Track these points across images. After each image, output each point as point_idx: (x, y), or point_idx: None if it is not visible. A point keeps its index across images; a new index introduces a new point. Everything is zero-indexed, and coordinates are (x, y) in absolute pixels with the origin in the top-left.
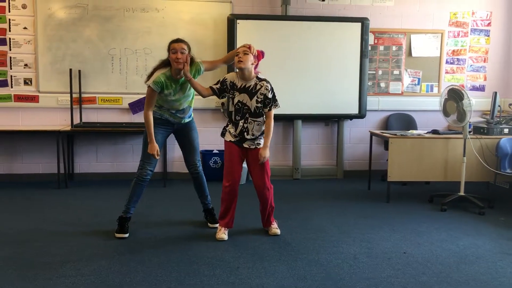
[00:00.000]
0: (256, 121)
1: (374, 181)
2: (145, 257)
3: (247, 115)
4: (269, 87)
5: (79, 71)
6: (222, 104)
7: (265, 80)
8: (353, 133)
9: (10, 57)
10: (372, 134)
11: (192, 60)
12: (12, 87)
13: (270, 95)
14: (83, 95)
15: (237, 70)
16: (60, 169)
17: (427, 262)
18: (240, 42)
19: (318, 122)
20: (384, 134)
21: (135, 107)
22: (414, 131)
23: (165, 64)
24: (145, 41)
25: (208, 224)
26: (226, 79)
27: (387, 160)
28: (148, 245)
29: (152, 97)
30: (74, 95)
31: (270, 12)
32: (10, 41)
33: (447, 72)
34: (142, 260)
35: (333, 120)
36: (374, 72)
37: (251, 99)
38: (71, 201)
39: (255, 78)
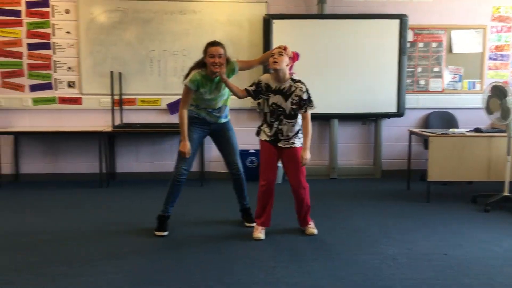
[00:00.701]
0: (290, 122)
1: (413, 181)
2: (184, 255)
3: (282, 117)
4: (304, 88)
5: (120, 73)
6: (258, 104)
7: (299, 81)
8: (391, 132)
9: (54, 61)
10: (411, 132)
11: (227, 60)
12: (56, 89)
13: (305, 96)
14: (123, 97)
15: (272, 71)
16: (102, 169)
17: (469, 264)
18: (275, 42)
19: (355, 121)
20: (424, 132)
21: (173, 107)
22: (456, 130)
23: (200, 64)
24: (183, 43)
25: (245, 223)
26: (261, 80)
27: (426, 159)
28: (186, 244)
29: (188, 95)
30: (115, 97)
31: (306, 11)
32: (54, 45)
33: (490, 69)
34: (180, 258)
35: (371, 119)
36: (413, 69)
37: (286, 101)
38: (112, 200)
39: (289, 79)
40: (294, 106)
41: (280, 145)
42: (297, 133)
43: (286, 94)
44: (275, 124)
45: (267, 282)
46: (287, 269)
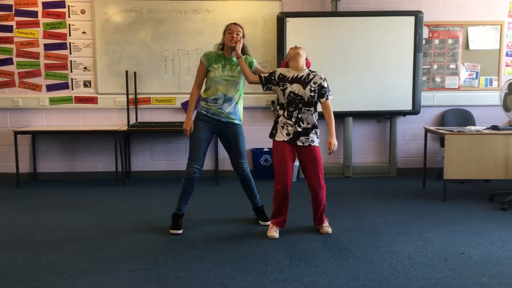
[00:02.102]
0: (309, 110)
1: (429, 179)
2: (199, 253)
3: (301, 105)
4: (323, 76)
5: (135, 72)
6: (272, 102)
7: (317, 71)
8: (406, 130)
9: (71, 61)
10: (427, 130)
11: (245, 49)
12: (72, 89)
13: (325, 84)
14: (138, 96)
15: (289, 67)
16: (117, 168)
17: (487, 263)
18: (290, 40)
19: (370, 119)
20: (440, 130)
21: (187, 106)
22: (472, 127)
23: (219, 48)
24: (197, 42)
25: (260, 222)
26: (276, 71)
27: (443, 157)
28: (201, 242)
29: (202, 72)
30: (130, 96)
31: (320, 9)
32: (70, 45)
33: (507, 65)
34: (195, 256)
35: (386, 117)
36: (428, 66)
37: (304, 88)
38: (128, 198)
39: (307, 69)
40: (312, 94)
41: (299, 143)
42: (315, 126)
43: (304, 82)
44: (295, 113)
45: (281, 280)
46: (302, 267)
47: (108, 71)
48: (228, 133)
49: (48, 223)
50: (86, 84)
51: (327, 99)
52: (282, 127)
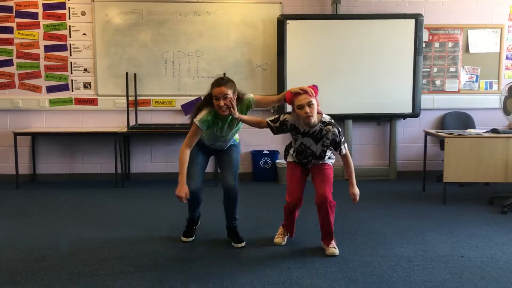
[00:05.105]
0: (320, 161)
1: (429, 182)
2: (198, 254)
3: (311, 158)
4: (337, 131)
5: (135, 74)
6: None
7: (330, 124)
8: (406, 133)
9: (71, 62)
10: (426, 133)
11: (241, 99)
12: (72, 90)
13: (339, 139)
14: (138, 98)
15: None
16: (117, 169)
17: (486, 267)
18: (290, 42)
19: (369, 122)
20: (439, 133)
21: (187, 108)
22: (472, 130)
23: (211, 101)
24: (197, 44)
25: (232, 243)
26: (287, 121)
27: (442, 160)
28: (200, 243)
29: (196, 134)
30: (130, 98)
31: (320, 12)
32: (70, 47)
33: (507, 69)
34: (195, 258)
35: (385, 120)
36: (428, 69)
37: (316, 143)
38: (127, 200)
39: (319, 123)
40: (325, 149)
41: (309, 166)
42: (328, 157)
43: (316, 137)
44: (305, 161)
45: (281, 282)
46: (302, 269)
47: (108, 73)
48: (223, 152)
49: (47, 224)
50: (86, 85)
51: (341, 153)
52: (292, 155)
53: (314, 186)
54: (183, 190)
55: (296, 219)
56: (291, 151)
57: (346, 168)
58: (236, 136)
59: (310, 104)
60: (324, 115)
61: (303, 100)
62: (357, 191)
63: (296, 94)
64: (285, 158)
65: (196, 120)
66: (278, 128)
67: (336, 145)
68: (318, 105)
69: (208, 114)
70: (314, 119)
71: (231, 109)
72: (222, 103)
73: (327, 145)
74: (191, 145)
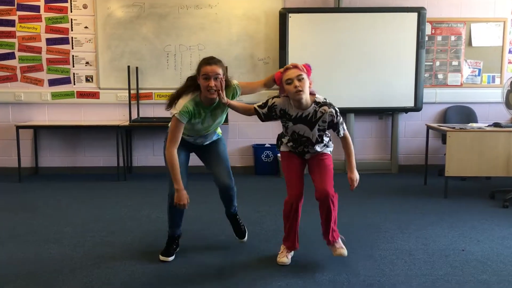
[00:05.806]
0: (319, 145)
1: (431, 176)
2: (199, 245)
3: (307, 143)
4: (334, 112)
5: (137, 67)
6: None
7: (325, 104)
8: (408, 127)
9: (73, 56)
10: (428, 127)
11: (228, 83)
12: (74, 84)
13: (336, 120)
14: (140, 91)
15: (291, 100)
16: (119, 163)
17: (487, 260)
18: (292, 36)
19: (371, 115)
20: (441, 127)
21: None
22: (474, 124)
23: (193, 87)
24: (199, 37)
25: (236, 237)
26: (276, 105)
27: (444, 154)
28: (201, 239)
29: (178, 130)
30: (132, 91)
31: (322, 5)
32: (72, 40)
33: (510, 62)
34: (195, 252)
35: (387, 113)
36: (431, 63)
37: (311, 129)
38: (129, 193)
39: (313, 104)
40: (321, 133)
41: (307, 156)
42: (326, 146)
43: (310, 121)
44: (299, 149)
45: (282, 276)
46: (303, 263)
47: (110, 66)
48: (206, 147)
49: (50, 217)
50: (88, 79)
51: (339, 135)
52: (287, 144)
53: (312, 180)
54: (183, 196)
55: (299, 219)
56: (284, 140)
57: (346, 150)
58: (219, 130)
59: (300, 78)
60: (317, 96)
61: (292, 74)
62: (356, 176)
63: (285, 70)
64: (278, 147)
65: (175, 112)
66: (266, 114)
67: (334, 127)
68: (310, 85)
69: (188, 104)
70: (306, 96)
71: (220, 91)
72: (212, 83)
73: (323, 129)
74: (177, 143)
